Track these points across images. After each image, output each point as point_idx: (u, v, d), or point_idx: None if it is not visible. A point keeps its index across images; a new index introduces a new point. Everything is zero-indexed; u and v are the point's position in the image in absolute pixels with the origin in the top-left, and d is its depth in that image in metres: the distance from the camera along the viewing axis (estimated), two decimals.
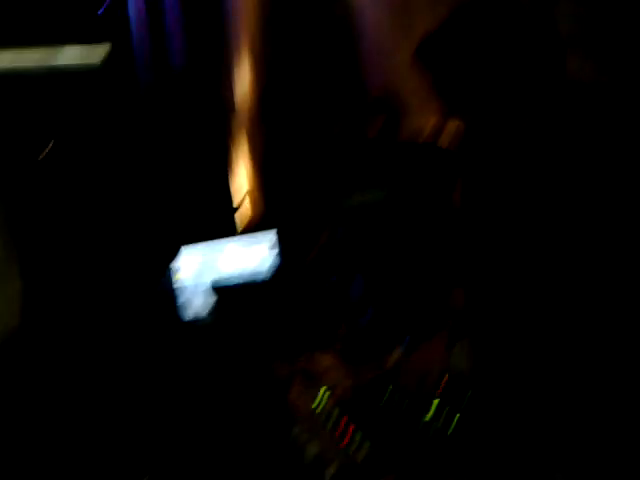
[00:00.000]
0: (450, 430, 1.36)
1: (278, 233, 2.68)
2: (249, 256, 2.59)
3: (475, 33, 1.30)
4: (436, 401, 1.44)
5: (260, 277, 2.45)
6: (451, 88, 1.33)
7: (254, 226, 3.91)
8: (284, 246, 2.68)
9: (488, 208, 1.44)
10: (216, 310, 2.32)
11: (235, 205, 3.84)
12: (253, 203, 4.53)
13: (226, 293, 2.30)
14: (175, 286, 2.46)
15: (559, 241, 1.29)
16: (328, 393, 1.55)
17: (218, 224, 3.44)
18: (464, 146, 1.63)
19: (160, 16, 6.46)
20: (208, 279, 2.47)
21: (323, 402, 1.52)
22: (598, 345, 1.31)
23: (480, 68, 1.29)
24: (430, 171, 1.83)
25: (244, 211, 4.35)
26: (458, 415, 1.38)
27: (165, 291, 2.53)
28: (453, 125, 1.71)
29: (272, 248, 2.64)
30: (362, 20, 3.11)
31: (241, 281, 2.38)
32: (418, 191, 1.85)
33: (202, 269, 2.52)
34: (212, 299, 2.36)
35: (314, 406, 1.49)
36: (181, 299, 2.47)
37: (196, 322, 2.41)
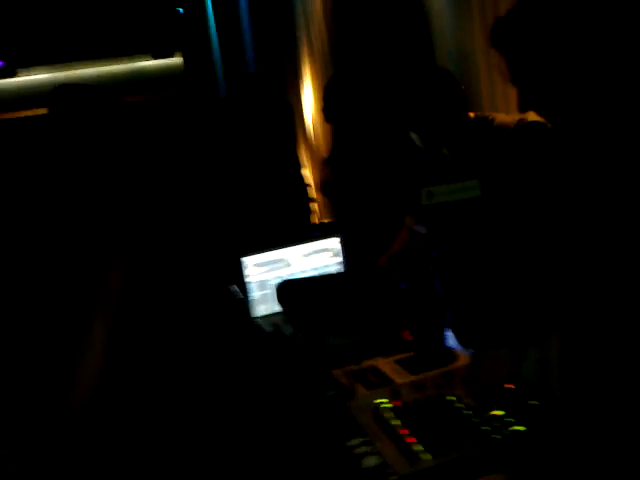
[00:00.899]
0: (512, 442, 1.29)
1: (346, 236, 2.67)
2: (317, 259, 2.61)
3: (555, 13, 1.19)
4: (500, 412, 1.37)
5: (328, 279, 2.44)
6: (529, 76, 1.24)
7: (323, 229, 3.91)
8: (352, 249, 2.66)
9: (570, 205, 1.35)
10: (282, 311, 2.32)
11: (304, 208, 3.87)
12: (321, 206, 4.54)
13: (293, 294, 2.29)
14: (243, 286, 2.48)
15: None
16: (394, 399, 1.50)
17: (288, 226, 3.47)
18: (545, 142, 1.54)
19: (234, 25, 6.62)
20: (276, 279, 2.49)
21: (384, 411, 1.47)
22: None
23: (561, 53, 1.19)
24: (529, 160, 1.74)
25: (313, 214, 4.38)
26: (522, 428, 1.31)
27: (233, 293, 2.55)
28: (531, 118, 1.63)
29: (340, 251, 2.63)
30: (430, 8, 3.05)
31: (306, 281, 2.37)
32: (517, 182, 1.77)
33: (270, 269, 2.54)
34: (278, 300, 2.36)
35: (378, 413, 1.45)
36: (249, 298, 2.48)
37: (263, 323, 2.43)
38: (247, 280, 2.51)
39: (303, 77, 4.81)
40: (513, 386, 1.42)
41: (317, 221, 4.47)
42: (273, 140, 3.69)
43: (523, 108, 1.29)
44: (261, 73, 5.71)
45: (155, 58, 8.26)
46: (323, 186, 3.86)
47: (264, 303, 2.53)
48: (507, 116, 1.91)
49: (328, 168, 3.64)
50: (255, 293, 2.53)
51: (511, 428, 1.33)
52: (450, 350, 1.87)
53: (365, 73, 3.65)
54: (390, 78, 3.29)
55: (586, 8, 1.18)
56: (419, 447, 1.31)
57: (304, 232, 3.49)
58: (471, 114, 1.96)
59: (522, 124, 1.83)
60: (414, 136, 1.93)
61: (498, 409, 1.38)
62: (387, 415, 1.45)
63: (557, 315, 1.39)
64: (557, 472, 1.17)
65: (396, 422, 1.41)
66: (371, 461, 1.31)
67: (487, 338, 1.43)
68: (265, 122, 3.70)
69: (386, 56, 3.56)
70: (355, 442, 1.38)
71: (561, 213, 1.40)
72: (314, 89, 4.66)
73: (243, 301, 2.49)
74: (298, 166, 4.06)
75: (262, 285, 2.54)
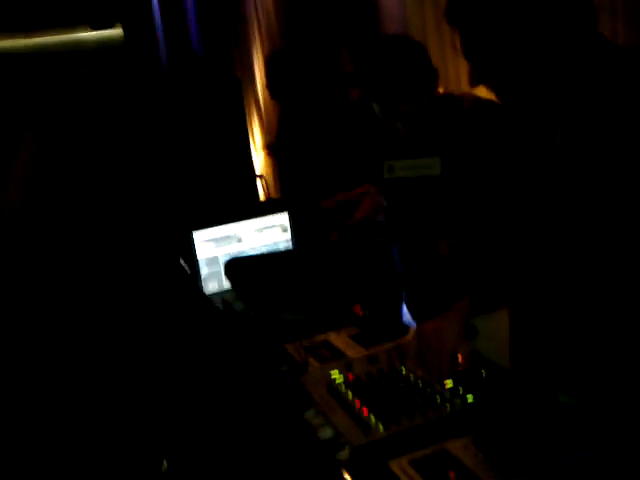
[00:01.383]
0: (471, 406, 1.33)
1: (295, 211, 2.66)
2: (267, 235, 2.59)
3: None
4: (450, 383, 1.40)
5: (277, 254, 2.44)
6: (482, 51, 1.26)
7: (271, 205, 3.89)
8: (301, 224, 2.66)
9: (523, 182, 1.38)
10: (231, 286, 2.31)
11: (252, 184, 3.85)
12: (269, 182, 4.52)
13: (242, 271, 2.28)
14: (191, 262, 2.45)
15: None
16: (347, 372, 1.51)
17: (235, 203, 3.45)
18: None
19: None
20: (225, 256, 2.47)
21: (337, 384, 1.49)
22: None
23: (512, 28, 1.21)
24: (485, 130, 1.76)
25: (261, 190, 4.36)
26: (472, 396, 1.36)
27: (181, 267, 2.52)
28: (482, 93, 1.65)
29: (289, 227, 2.62)
30: None
31: (257, 257, 2.36)
32: (476, 153, 1.78)
33: (219, 245, 2.51)
34: (227, 277, 2.35)
35: (332, 386, 1.47)
36: (197, 274, 2.45)
37: (211, 297, 2.40)
38: (197, 257, 2.48)
39: (252, 52, 4.74)
40: (462, 357, 1.46)
41: (264, 197, 4.46)
42: (219, 116, 3.64)
43: (474, 82, 1.32)
44: (206, 48, 5.60)
45: (94, 29, 7.96)
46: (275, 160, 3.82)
47: (214, 280, 2.51)
48: (477, 97, 1.90)
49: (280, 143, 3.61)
50: (204, 269, 2.50)
51: (462, 398, 1.37)
52: (402, 323, 1.91)
53: (310, 45, 3.62)
54: (335, 51, 3.27)
55: None
56: (372, 418, 1.34)
57: (252, 208, 3.47)
58: (440, 90, 1.95)
59: (476, 103, 1.85)
60: (375, 106, 1.90)
61: (448, 380, 1.42)
62: (340, 387, 1.47)
63: (508, 288, 1.43)
64: (508, 441, 1.21)
65: (349, 394, 1.43)
66: (326, 433, 1.33)
67: (440, 311, 1.46)
68: (210, 98, 3.64)
69: (333, 29, 3.54)
70: (310, 414, 1.39)
71: (513, 191, 1.43)
72: (264, 64, 4.61)
73: (191, 276, 2.46)
74: (247, 142, 4.01)
75: (212, 261, 2.51)
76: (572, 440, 1.18)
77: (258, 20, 4.58)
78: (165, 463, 1.53)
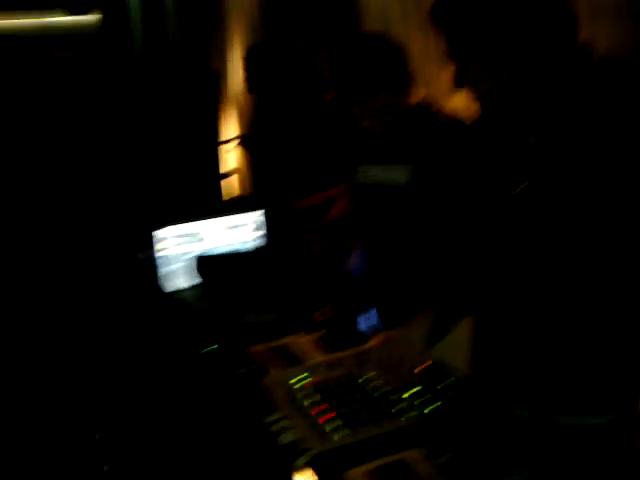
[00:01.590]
0: (428, 417, 1.33)
1: (267, 211, 2.63)
2: (235, 233, 2.55)
3: None
4: (414, 390, 1.40)
5: (245, 254, 2.41)
6: (467, 52, 1.26)
7: (242, 202, 3.86)
8: (273, 224, 2.63)
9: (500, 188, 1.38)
10: (197, 285, 2.28)
11: (222, 181, 3.80)
12: (241, 179, 4.48)
13: (209, 267, 2.25)
14: (157, 258, 2.40)
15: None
16: (307, 378, 1.49)
17: (205, 199, 3.40)
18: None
19: None
20: (191, 253, 2.42)
21: (298, 389, 1.47)
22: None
23: (497, 29, 1.22)
24: (457, 147, 1.76)
25: (232, 187, 4.31)
26: (437, 403, 1.35)
27: (147, 263, 2.46)
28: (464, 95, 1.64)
29: (260, 226, 2.59)
30: None
31: (225, 256, 2.33)
32: (446, 169, 1.78)
33: (185, 243, 2.47)
34: (194, 273, 2.31)
35: (292, 391, 1.45)
36: (162, 271, 2.39)
37: (176, 295, 2.35)
38: (158, 254, 2.42)
39: (232, 45, 4.68)
40: (427, 364, 1.46)
41: (236, 194, 4.42)
42: (192, 110, 3.58)
43: (458, 85, 1.32)
44: (183, 39, 5.53)
45: (71, 14, 7.80)
46: (249, 156, 3.78)
47: (175, 278, 2.45)
48: (455, 112, 1.89)
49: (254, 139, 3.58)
50: (166, 267, 2.44)
51: (425, 405, 1.36)
52: (358, 332, 1.90)
53: (290, 40, 3.60)
54: (313, 49, 3.25)
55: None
56: (332, 424, 1.33)
57: (220, 205, 3.43)
58: (422, 92, 1.94)
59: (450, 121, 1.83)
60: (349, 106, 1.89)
61: (412, 387, 1.41)
62: (301, 393, 1.45)
63: (472, 298, 1.43)
64: (472, 447, 1.21)
65: (310, 400, 1.42)
66: (287, 438, 1.31)
67: (409, 319, 1.45)
68: (186, 91, 3.59)
69: (312, 26, 3.52)
70: (271, 419, 1.37)
71: (483, 199, 1.43)
72: (242, 58, 4.55)
73: (153, 270, 2.40)
74: (216, 137, 3.96)
75: (174, 259, 2.45)
76: (526, 456, 1.19)
77: (237, 13, 4.53)
78: (105, 467, 1.50)
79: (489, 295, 1.41)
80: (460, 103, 1.88)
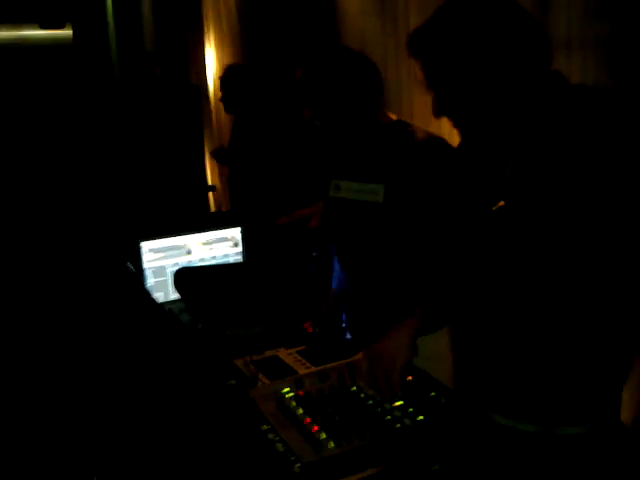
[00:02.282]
0: (413, 429, 1.34)
1: (249, 226, 2.65)
2: (216, 248, 2.57)
3: (469, 24, 1.26)
4: (400, 402, 1.42)
5: (227, 268, 2.41)
6: (443, 82, 1.30)
7: (221, 218, 3.86)
8: (252, 239, 2.65)
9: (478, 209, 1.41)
10: (179, 299, 2.27)
11: (203, 194, 3.80)
12: (220, 193, 4.49)
13: (191, 281, 2.24)
14: (140, 271, 2.40)
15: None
16: (297, 389, 1.50)
17: (186, 213, 3.40)
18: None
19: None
20: (173, 266, 2.43)
21: (288, 400, 1.48)
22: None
23: (473, 60, 1.26)
24: (434, 167, 1.79)
25: (212, 201, 4.31)
26: (421, 417, 1.37)
27: (129, 276, 2.45)
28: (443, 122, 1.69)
29: (240, 241, 2.61)
30: (344, 6, 3.08)
31: (208, 269, 2.33)
32: (421, 187, 1.80)
33: (167, 256, 2.48)
34: (176, 286, 2.30)
35: (282, 402, 1.46)
36: (146, 284, 2.41)
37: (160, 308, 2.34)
38: (144, 266, 2.44)
39: (210, 60, 4.69)
40: (411, 377, 1.48)
41: (215, 209, 4.41)
42: (174, 125, 3.59)
43: (437, 113, 1.35)
44: (160, 53, 5.53)
45: (43, 28, 7.74)
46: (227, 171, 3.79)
47: (160, 290, 2.47)
48: (429, 133, 1.94)
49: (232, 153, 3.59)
50: (151, 280, 2.46)
51: (414, 415, 1.38)
52: (347, 341, 1.91)
53: (265, 61, 3.64)
54: (293, 66, 3.29)
55: (495, 22, 1.26)
56: (322, 435, 1.33)
57: (203, 220, 3.44)
58: (393, 116, 1.97)
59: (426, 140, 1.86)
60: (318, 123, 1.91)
61: (398, 400, 1.43)
62: (291, 403, 1.46)
63: (449, 309, 1.45)
64: (456, 459, 1.23)
65: (300, 411, 1.43)
66: (277, 448, 1.32)
67: (382, 334, 1.47)
68: (166, 107, 3.59)
69: (291, 45, 3.56)
70: (260, 430, 1.37)
71: (460, 217, 1.47)
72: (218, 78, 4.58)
73: (139, 279, 2.40)
74: (202, 152, 3.98)
75: (159, 272, 2.47)
76: (512, 466, 1.21)
77: (219, 23, 4.55)
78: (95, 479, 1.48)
79: (469, 307, 1.44)
80: (442, 129, 1.93)
